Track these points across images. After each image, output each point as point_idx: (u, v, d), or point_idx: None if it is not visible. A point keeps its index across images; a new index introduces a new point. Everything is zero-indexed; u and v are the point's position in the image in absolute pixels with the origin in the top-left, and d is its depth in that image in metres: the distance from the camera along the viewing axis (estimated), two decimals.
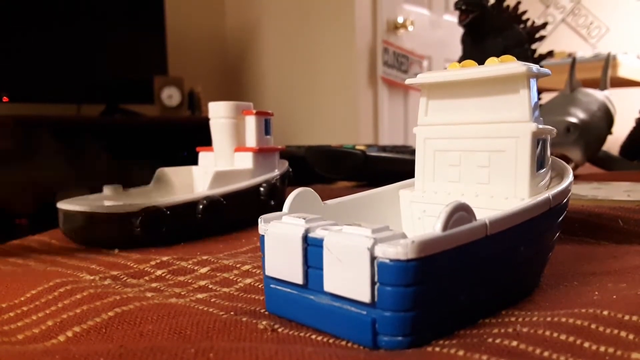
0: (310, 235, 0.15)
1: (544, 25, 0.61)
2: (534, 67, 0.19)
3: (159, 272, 0.23)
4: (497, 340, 0.15)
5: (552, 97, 0.65)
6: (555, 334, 0.15)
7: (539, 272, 0.20)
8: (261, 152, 0.37)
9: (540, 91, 0.72)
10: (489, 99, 0.21)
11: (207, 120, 0.38)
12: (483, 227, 0.15)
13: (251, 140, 0.37)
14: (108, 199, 0.32)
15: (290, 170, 0.41)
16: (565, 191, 0.20)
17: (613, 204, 0.36)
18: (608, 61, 0.71)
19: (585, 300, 0.18)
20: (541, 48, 0.64)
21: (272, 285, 0.17)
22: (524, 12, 0.61)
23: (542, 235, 0.19)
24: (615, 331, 0.15)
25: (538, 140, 0.20)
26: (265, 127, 0.38)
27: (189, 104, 1.57)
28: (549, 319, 0.16)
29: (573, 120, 0.56)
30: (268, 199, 0.35)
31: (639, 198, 0.38)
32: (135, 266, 0.24)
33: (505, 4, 0.60)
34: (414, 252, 0.13)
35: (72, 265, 0.24)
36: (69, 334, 0.16)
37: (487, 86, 0.20)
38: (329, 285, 0.15)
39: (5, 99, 1.43)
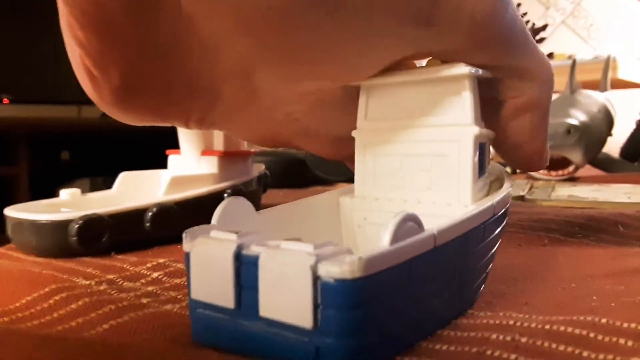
0: (244, 252, 0.14)
1: (544, 27, 0.61)
2: (475, 69, 0.19)
3: (155, 275, 0.23)
4: (497, 354, 0.14)
5: (552, 98, 0.65)
6: (554, 345, 0.15)
7: (481, 284, 0.19)
8: (228, 156, 0.34)
9: None
10: (431, 101, 0.20)
11: None
12: (431, 238, 0.14)
13: (219, 142, 0.35)
14: (61, 205, 0.30)
15: (267, 174, 0.38)
16: (508, 196, 0.20)
17: (613, 207, 0.36)
18: (608, 63, 0.71)
19: (584, 307, 0.18)
20: (542, 50, 0.64)
21: (199, 311, 0.15)
22: (524, 14, 0.61)
23: (487, 243, 0.18)
24: (614, 339, 0.15)
25: (480, 144, 0.19)
26: None
27: None
28: (547, 326, 0.16)
29: (573, 122, 0.56)
30: None
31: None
32: (131, 269, 0.24)
33: None
34: (362, 270, 0.12)
35: (68, 268, 0.24)
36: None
37: (428, 87, 0.20)
38: (265, 310, 0.13)
39: (5, 100, 1.44)
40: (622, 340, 0.15)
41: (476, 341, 0.15)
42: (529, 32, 0.20)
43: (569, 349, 0.15)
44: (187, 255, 0.15)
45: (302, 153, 0.57)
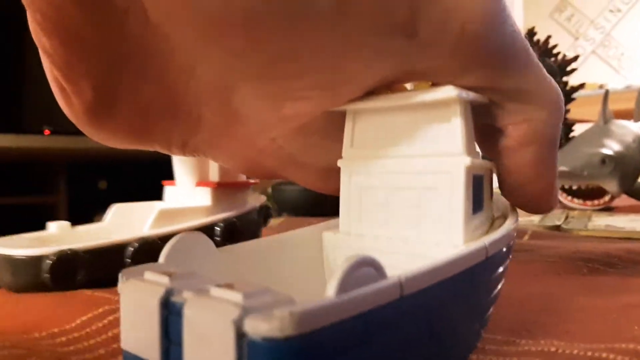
0: (173, 299, 0.11)
1: (575, 58, 0.61)
2: (466, 92, 0.17)
3: None
4: None
5: (585, 129, 0.64)
6: None
7: (478, 331, 0.17)
8: (223, 187, 0.33)
9: (572, 123, 0.72)
10: (420, 128, 0.18)
11: None
12: (396, 287, 0.12)
13: (214, 173, 0.33)
14: (48, 239, 0.29)
15: (269, 205, 0.37)
16: (508, 236, 0.17)
17: None
18: None
19: (626, 335, 0.18)
20: (572, 80, 0.64)
21: None
22: (555, 46, 0.61)
23: (477, 289, 0.16)
24: None
25: (474, 176, 0.17)
26: None
27: None
28: (589, 353, 0.16)
29: (608, 152, 0.56)
30: (225, 240, 0.31)
31: None
32: None
33: (535, 38, 0.61)
34: (295, 326, 0.09)
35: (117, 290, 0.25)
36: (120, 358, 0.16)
37: (417, 113, 0.18)
38: None
39: (47, 132, 1.49)
40: None
41: None
42: (532, 51, 0.18)
43: None
44: (120, 299, 0.13)
45: None
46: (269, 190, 0.63)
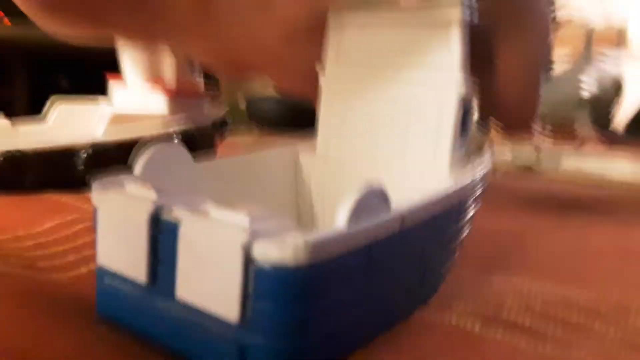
0: (164, 217, 0.11)
1: None
2: (468, 12, 0.16)
3: None
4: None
5: (566, 68, 0.64)
6: (568, 315, 0.15)
7: (449, 267, 0.17)
8: (179, 96, 0.30)
9: (552, 62, 0.71)
10: (413, 48, 0.17)
11: None
12: (398, 220, 0.12)
13: (169, 78, 0.30)
14: None
15: (227, 119, 0.35)
16: (488, 170, 0.17)
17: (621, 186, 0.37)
18: (622, 36, 0.71)
19: (590, 277, 0.18)
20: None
21: (106, 280, 0.12)
22: None
23: (461, 224, 0.16)
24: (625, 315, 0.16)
25: (464, 102, 0.17)
26: (190, 60, 0.30)
27: None
28: (562, 296, 0.17)
29: (585, 94, 0.56)
30: None
31: None
32: None
33: None
34: (308, 256, 0.09)
35: (84, 197, 0.24)
36: (92, 267, 0.16)
37: (411, 30, 0.17)
38: (184, 291, 0.11)
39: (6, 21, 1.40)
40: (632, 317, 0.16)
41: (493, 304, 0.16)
42: None
43: (582, 320, 0.15)
44: (95, 211, 0.12)
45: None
46: (243, 105, 0.61)
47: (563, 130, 0.56)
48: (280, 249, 0.09)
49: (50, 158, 0.25)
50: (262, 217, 0.10)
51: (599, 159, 0.49)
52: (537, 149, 0.57)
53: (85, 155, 0.26)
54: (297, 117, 0.56)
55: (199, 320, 0.10)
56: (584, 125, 0.55)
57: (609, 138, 0.61)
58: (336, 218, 0.10)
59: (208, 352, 0.10)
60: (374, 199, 0.11)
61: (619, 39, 0.72)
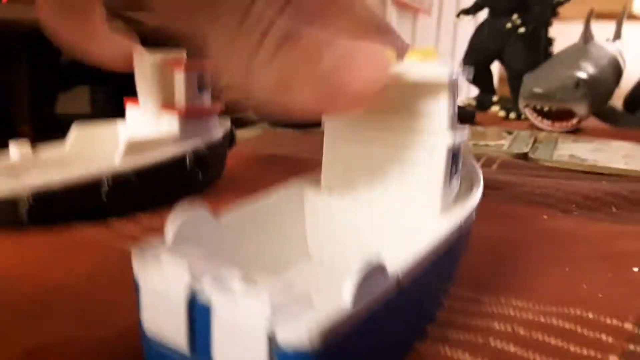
0: (199, 300, 0.13)
1: None
2: (456, 72, 0.18)
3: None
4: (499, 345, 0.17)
5: (565, 48, 0.65)
6: (547, 338, 0.18)
7: (448, 289, 0.20)
8: (190, 115, 0.31)
9: (550, 40, 0.71)
10: (406, 101, 0.19)
11: None
12: (395, 282, 0.14)
13: (180, 97, 0.31)
14: (12, 167, 0.28)
15: (234, 132, 0.36)
16: (475, 210, 0.19)
17: (610, 172, 0.39)
18: (624, 11, 0.71)
19: (574, 296, 0.21)
20: None
21: (152, 346, 0.14)
22: None
23: (453, 258, 0.19)
24: (598, 334, 0.18)
25: (453, 150, 0.19)
26: (200, 83, 0.32)
27: None
28: (542, 319, 0.19)
29: (582, 75, 0.57)
30: (196, 171, 0.31)
31: (635, 167, 0.41)
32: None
33: None
34: (319, 339, 0.11)
35: (112, 231, 0.26)
36: (135, 319, 0.18)
37: (404, 86, 0.19)
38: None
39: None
40: (604, 336, 0.18)
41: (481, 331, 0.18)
42: None
43: (560, 343, 0.17)
44: (137, 279, 0.14)
45: None
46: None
47: (559, 112, 0.58)
48: (298, 336, 0.11)
49: (75, 191, 0.27)
50: (282, 302, 0.12)
51: (591, 142, 0.50)
52: (535, 129, 0.59)
53: (107, 185, 0.27)
54: None
55: None
56: (581, 106, 0.57)
57: (607, 117, 0.62)
58: (342, 293, 0.12)
59: None
60: (374, 274, 0.13)
61: (620, 14, 0.72)
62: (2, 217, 0.26)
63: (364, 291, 0.12)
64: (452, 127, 0.18)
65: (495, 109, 0.72)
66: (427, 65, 0.18)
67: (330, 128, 0.21)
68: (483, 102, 0.75)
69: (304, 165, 0.23)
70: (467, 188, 0.21)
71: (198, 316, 0.13)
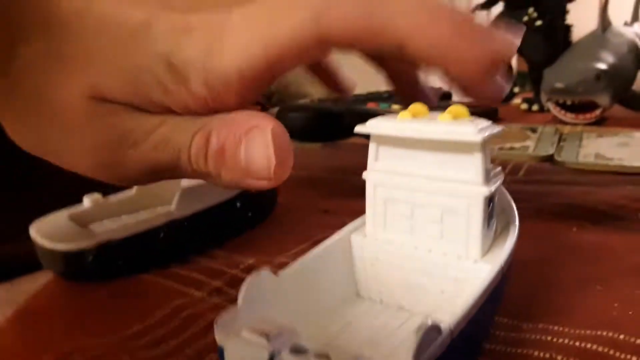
0: None
1: None
2: (488, 132, 0.19)
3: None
4: None
5: (583, 37, 0.65)
6: None
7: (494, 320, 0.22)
8: None
9: (570, 25, 0.72)
10: (442, 156, 0.21)
11: None
12: (448, 335, 0.15)
13: None
14: (85, 216, 0.31)
15: None
16: (513, 249, 0.21)
17: (636, 171, 0.40)
18: None
19: (607, 317, 0.22)
20: None
21: None
22: None
23: (497, 297, 0.21)
24: (629, 356, 0.20)
25: (490, 198, 0.21)
26: None
27: None
28: (577, 343, 0.21)
29: (602, 66, 0.57)
30: (245, 211, 0.34)
31: None
32: (228, 271, 0.29)
33: None
34: None
35: (183, 275, 0.29)
36: None
37: (439, 143, 0.21)
38: None
39: None
40: (634, 359, 0.20)
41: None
42: None
43: None
44: (221, 349, 0.16)
45: (338, 108, 0.59)
46: (274, 115, 0.65)
47: (583, 105, 0.58)
48: None
49: (134, 241, 0.29)
50: None
51: (617, 135, 0.51)
52: (559, 123, 0.60)
53: (162, 233, 0.30)
54: (321, 130, 0.59)
55: None
56: (604, 97, 0.57)
57: (631, 103, 0.63)
58: (403, 355, 0.14)
59: None
60: (430, 334, 0.14)
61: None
62: (68, 267, 0.29)
63: (422, 350, 0.14)
64: (486, 179, 0.20)
65: (517, 101, 0.73)
66: (460, 126, 0.20)
67: (371, 181, 0.23)
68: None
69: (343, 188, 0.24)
70: (504, 226, 0.23)
71: None
